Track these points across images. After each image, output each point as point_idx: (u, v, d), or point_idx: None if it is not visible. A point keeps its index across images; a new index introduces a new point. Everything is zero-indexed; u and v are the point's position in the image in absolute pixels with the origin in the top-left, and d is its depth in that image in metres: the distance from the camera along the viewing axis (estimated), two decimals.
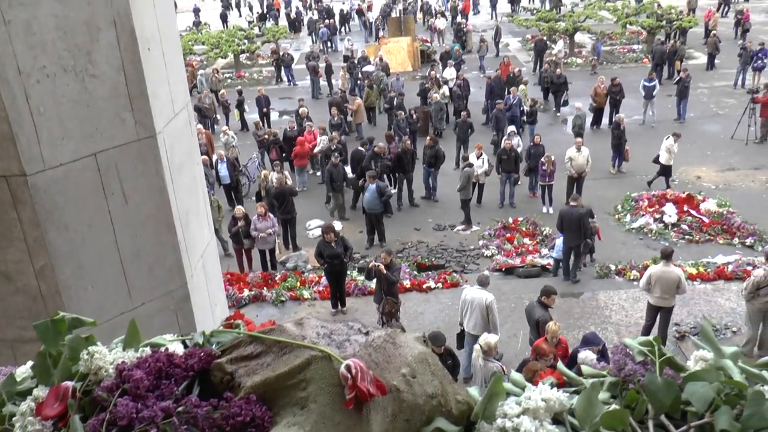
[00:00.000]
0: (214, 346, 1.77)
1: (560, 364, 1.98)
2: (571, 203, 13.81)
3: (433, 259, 15.11)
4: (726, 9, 39.88)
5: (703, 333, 1.81)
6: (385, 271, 11.40)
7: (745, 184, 18.07)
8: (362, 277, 13.50)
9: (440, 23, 36.77)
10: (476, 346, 9.50)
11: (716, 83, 26.97)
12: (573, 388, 1.80)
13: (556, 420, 1.62)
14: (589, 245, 14.06)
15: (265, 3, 48.68)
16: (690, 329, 11.69)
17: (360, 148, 17.94)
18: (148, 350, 1.73)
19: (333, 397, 1.50)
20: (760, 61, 25.14)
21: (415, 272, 14.48)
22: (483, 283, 10.92)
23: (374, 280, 12.03)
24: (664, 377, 1.66)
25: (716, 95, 25.65)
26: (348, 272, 13.61)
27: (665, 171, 17.70)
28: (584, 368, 1.89)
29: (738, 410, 1.59)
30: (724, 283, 13.23)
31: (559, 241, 13.96)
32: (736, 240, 15.19)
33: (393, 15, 36.20)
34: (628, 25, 32.23)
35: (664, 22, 30.89)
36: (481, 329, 10.46)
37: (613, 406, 1.62)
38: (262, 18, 43.61)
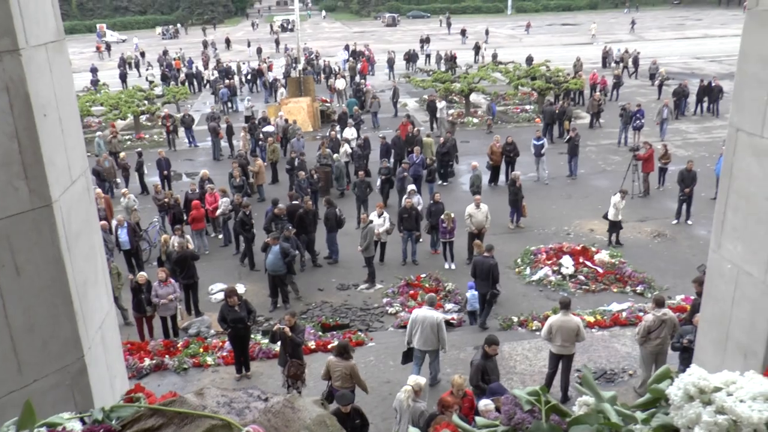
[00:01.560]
0: (113, 422, 1.76)
1: (455, 416, 2.11)
2: (485, 254, 14.28)
3: (338, 319, 14.99)
4: (613, 64, 43.09)
5: (584, 380, 1.98)
6: (290, 334, 11.21)
7: (633, 235, 18.92)
8: (266, 341, 13.22)
9: (339, 84, 37.45)
10: (406, 387, 9.68)
11: (602, 141, 28.50)
12: None
13: None
14: (497, 294, 14.35)
15: (165, 63, 48.46)
16: (592, 374, 11.97)
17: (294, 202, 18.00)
18: (44, 431, 1.72)
19: None
20: (638, 121, 26.84)
21: (320, 333, 14.31)
22: (432, 303, 12.03)
23: (278, 343, 11.80)
24: (549, 423, 1.78)
25: (603, 152, 27.05)
26: (252, 336, 13.28)
27: (614, 226, 18.34)
28: (478, 419, 1.96)
29: None
30: (620, 329, 13.73)
31: (470, 294, 14.31)
32: (628, 288, 15.84)
33: (293, 75, 36.66)
34: (519, 87, 33.72)
35: (552, 84, 32.52)
36: (431, 345, 11.67)
37: None
38: (163, 78, 43.26)
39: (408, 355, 12.03)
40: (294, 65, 39.33)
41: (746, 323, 5.84)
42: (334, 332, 14.36)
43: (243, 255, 17.74)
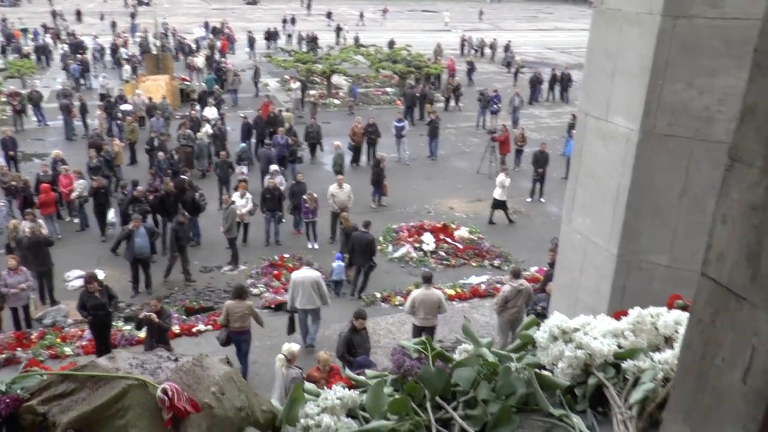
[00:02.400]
0: (19, 392, 1.74)
1: (347, 370, 2.21)
2: (362, 229, 14.86)
3: (202, 302, 14.71)
4: (472, 52, 44.52)
5: (464, 330, 2.16)
6: (157, 320, 11.00)
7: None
8: (129, 327, 12.81)
9: (199, 61, 36.32)
10: (279, 355, 9.87)
11: (461, 124, 29.47)
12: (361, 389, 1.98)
13: (351, 415, 1.78)
14: (374, 266, 14.99)
15: (4, 33, 44.92)
16: (452, 344, 12.54)
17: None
18: None
19: (151, 420, 1.59)
20: (495, 105, 28.00)
21: (184, 317, 14.01)
22: (309, 264, 12.77)
23: (144, 329, 11.55)
24: (436, 367, 1.93)
25: (462, 135, 27.99)
26: (114, 323, 12.80)
27: (499, 205, 18.99)
28: (367, 372, 2.11)
29: (494, 384, 1.88)
30: (479, 300, 14.47)
31: (336, 265, 14.74)
32: (486, 262, 16.64)
33: (151, 52, 35.23)
34: (381, 70, 34.14)
35: (413, 68, 33.20)
36: (313, 303, 12.39)
37: (396, 396, 1.82)
38: (2, 51, 40.16)
39: (292, 325, 12.66)
40: (154, 41, 37.82)
41: (592, 288, 6.39)
42: (199, 315, 14.11)
43: (118, 242, 16.49)
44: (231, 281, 15.62)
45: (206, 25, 49.13)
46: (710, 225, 1.30)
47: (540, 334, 2.09)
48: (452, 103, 31.89)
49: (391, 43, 40.76)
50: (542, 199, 20.89)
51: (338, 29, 48.87)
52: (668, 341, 2.01)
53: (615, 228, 6.48)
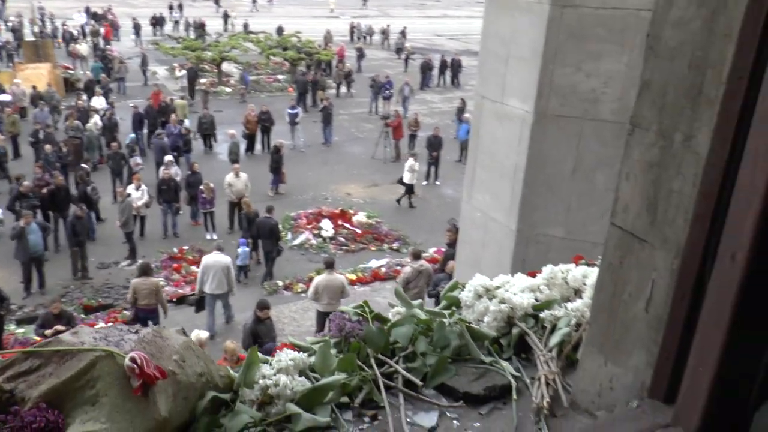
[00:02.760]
0: None
1: (291, 337, 2.40)
2: (266, 214, 15.03)
3: (100, 299, 14.31)
4: (364, 38, 44.79)
5: (396, 294, 2.35)
6: (62, 328, 10.62)
7: (387, 197, 20.14)
8: (23, 330, 12.33)
9: (82, 49, 34.79)
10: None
11: (355, 110, 29.67)
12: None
13: (302, 376, 1.93)
14: (281, 250, 15.21)
15: None
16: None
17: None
18: None
19: (121, 388, 1.66)
20: (387, 92, 28.41)
21: (83, 315, 13.59)
22: (221, 248, 12.93)
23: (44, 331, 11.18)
24: (376, 327, 2.11)
25: (356, 121, 28.21)
26: (5, 326, 12.26)
27: (409, 188, 19.26)
28: (308, 338, 2.26)
29: (430, 338, 2.09)
30: (380, 283, 14.77)
31: (241, 250, 14.78)
32: (385, 246, 16.96)
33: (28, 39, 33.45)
34: (271, 57, 33.87)
35: (304, 55, 33.12)
36: (223, 288, 12.57)
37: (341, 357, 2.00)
38: None
39: (200, 304, 12.86)
40: (31, 27, 35.83)
41: (494, 261, 6.77)
42: (98, 313, 13.72)
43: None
44: (130, 276, 15.23)
45: (87, 11, 47.03)
46: (617, 181, 1.54)
47: (465, 294, 2.31)
48: (344, 89, 32.05)
49: (280, 30, 40.42)
50: (437, 182, 21.42)
51: (226, 16, 47.98)
52: (577, 293, 2.29)
53: (513, 204, 6.88)
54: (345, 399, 1.88)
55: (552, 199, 6.60)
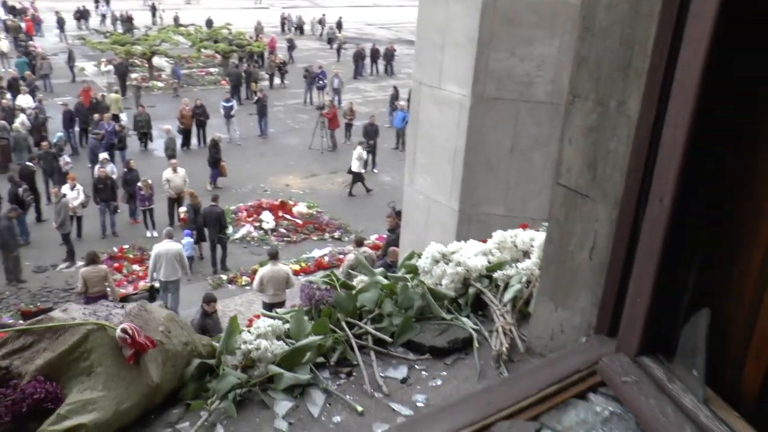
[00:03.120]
0: None
1: (262, 309, 2.54)
2: (212, 203, 15.28)
3: (39, 304, 13.97)
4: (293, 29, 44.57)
5: (360, 265, 2.52)
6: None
7: (326, 187, 20.26)
8: None
9: (3, 45, 33.65)
10: None
11: (289, 101, 29.59)
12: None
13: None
14: (227, 238, 15.40)
15: None
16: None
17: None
18: None
19: (115, 358, 1.79)
20: (321, 82, 28.45)
21: (21, 321, 13.30)
22: (170, 236, 13.07)
23: None
24: (345, 293, 2.30)
25: (291, 112, 28.15)
26: None
27: (358, 177, 19.38)
28: (278, 310, 2.41)
29: (395, 300, 2.28)
30: (324, 272, 14.80)
31: (185, 241, 14.78)
32: (326, 235, 17.08)
33: None
34: (203, 50, 33.42)
35: (236, 47, 32.81)
36: (176, 274, 12.78)
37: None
38: None
39: (152, 295, 12.91)
40: None
41: (437, 242, 7.02)
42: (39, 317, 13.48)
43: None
44: (69, 279, 14.96)
45: (4, 4, 45.36)
46: (560, 146, 1.74)
47: (423, 261, 2.50)
48: (277, 80, 31.91)
49: (210, 22, 39.89)
50: (375, 170, 21.59)
51: (153, 9, 47.01)
52: (526, 254, 2.50)
53: (454, 185, 7.12)
54: (321, 360, 2.05)
55: (492, 178, 6.87)
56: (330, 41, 40.80)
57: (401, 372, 2.00)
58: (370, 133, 21.18)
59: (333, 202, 19.15)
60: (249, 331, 2.07)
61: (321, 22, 45.79)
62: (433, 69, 6.97)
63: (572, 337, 1.79)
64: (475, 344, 2.06)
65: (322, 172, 20.93)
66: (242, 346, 2.00)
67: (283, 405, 1.83)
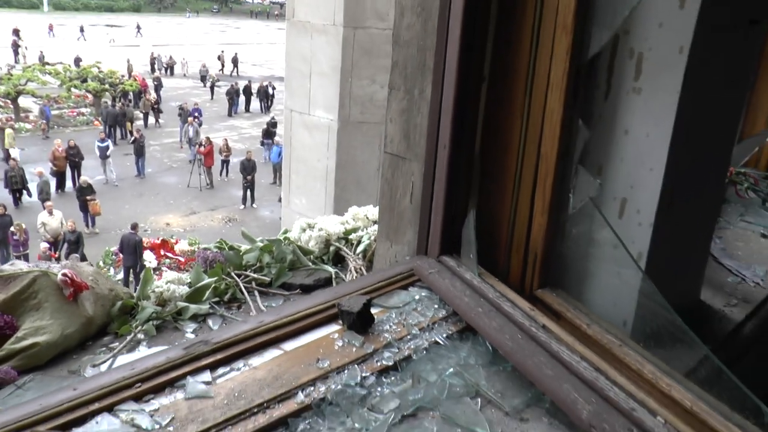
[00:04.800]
0: None
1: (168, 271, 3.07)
2: (131, 230, 15.63)
3: None
4: (164, 70, 44.29)
5: (243, 235, 3.14)
6: None
7: (206, 223, 20.47)
8: None
9: None
10: None
11: (165, 140, 29.52)
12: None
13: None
14: (144, 266, 15.00)
15: None
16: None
17: None
18: None
19: (57, 297, 2.36)
20: (198, 119, 28.62)
21: None
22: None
23: None
24: (233, 252, 2.93)
25: (168, 150, 28.10)
26: None
27: None
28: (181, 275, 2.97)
29: (271, 254, 2.92)
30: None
31: None
32: None
33: None
34: (73, 89, 32.75)
35: (108, 86, 32.40)
36: None
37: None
38: None
39: None
40: None
41: None
42: None
43: None
44: None
45: None
46: (384, 126, 2.45)
47: (293, 232, 3.16)
48: (152, 119, 31.79)
49: (78, 60, 39.08)
50: (254, 205, 21.99)
51: (15, 46, 45.38)
52: (375, 223, 3.20)
53: (328, 203, 7.83)
54: (217, 300, 2.65)
55: (361, 195, 7.61)
56: (203, 79, 40.94)
57: (278, 302, 2.63)
58: (247, 168, 21.61)
59: (214, 237, 19.27)
60: (161, 281, 2.64)
61: (222, 60, 46.18)
62: (302, 96, 7.69)
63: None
64: (334, 282, 2.73)
65: (202, 209, 21.14)
66: (155, 290, 2.58)
67: (190, 326, 2.43)
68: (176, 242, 18.92)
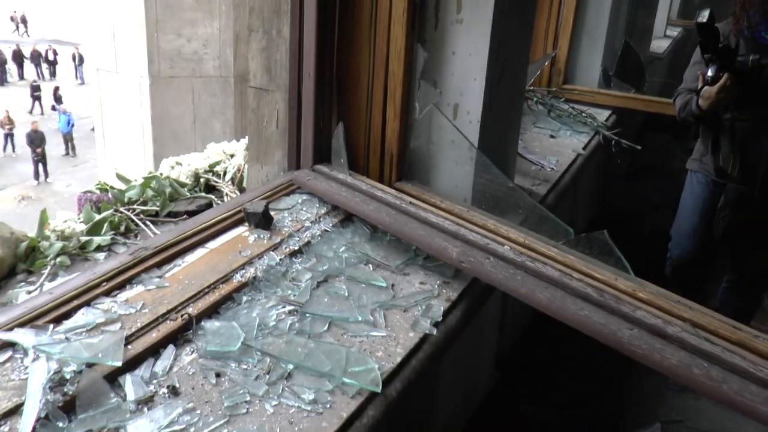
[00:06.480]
0: None
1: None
2: None
3: None
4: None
5: (117, 176, 3.39)
6: None
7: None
8: None
9: None
10: None
11: None
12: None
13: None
14: None
15: None
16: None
17: None
18: None
19: None
20: None
21: None
22: None
23: None
24: (116, 191, 3.18)
25: None
26: None
27: None
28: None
29: (152, 189, 3.22)
30: None
31: None
32: None
33: None
34: None
35: None
36: None
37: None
38: None
39: None
40: None
41: None
42: None
43: None
44: None
45: None
46: (247, 62, 2.85)
47: (164, 170, 3.47)
48: None
49: None
50: (48, 180, 20.86)
51: None
52: (233, 156, 3.60)
53: (147, 159, 7.90)
54: (114, 233, 2.95)
55: (179, 149, 7.77)
56: None
57: (170, 227, 2.99)
58: (35, 140, 20.38)
59: (10, 218, 18.09)
60: (57, 222, 2.89)
61: None
62: (108, 55, 7.65)
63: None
64: (215, 205, 3.12)
65: None
66: (55, 229, 2.83)
67: (100, 255, 2.73)
68: None
